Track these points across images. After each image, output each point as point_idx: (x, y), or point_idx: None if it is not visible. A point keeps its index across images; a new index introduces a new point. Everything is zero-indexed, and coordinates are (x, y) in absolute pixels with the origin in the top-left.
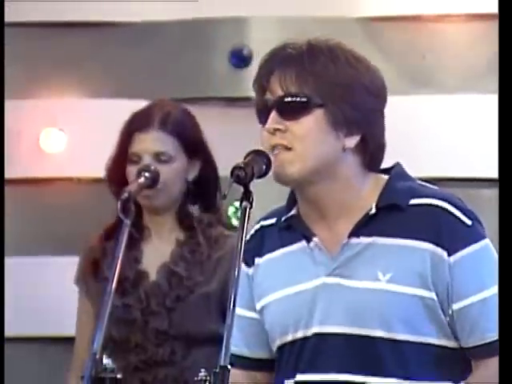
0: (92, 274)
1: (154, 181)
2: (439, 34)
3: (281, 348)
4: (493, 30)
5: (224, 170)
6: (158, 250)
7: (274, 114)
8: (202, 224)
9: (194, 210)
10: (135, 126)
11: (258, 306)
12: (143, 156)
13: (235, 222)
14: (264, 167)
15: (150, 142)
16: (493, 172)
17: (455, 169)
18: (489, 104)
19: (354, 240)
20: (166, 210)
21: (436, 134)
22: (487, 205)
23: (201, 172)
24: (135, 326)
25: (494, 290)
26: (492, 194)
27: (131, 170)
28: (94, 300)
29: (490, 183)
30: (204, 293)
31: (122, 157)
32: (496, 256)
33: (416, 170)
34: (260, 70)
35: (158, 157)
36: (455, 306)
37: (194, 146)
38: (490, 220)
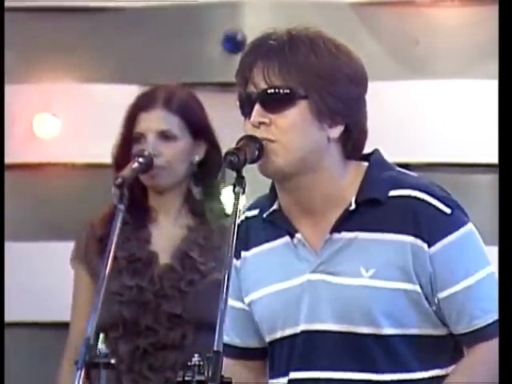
0: (97, 251)
1: (148, 166)
2: (433, 19)
3: (271, 344)
4: (487, 14)
5: None
6: (168, 233)
7: (257, 107)
8: (213, 213)
9: (197, 191)
10: (140, 105)
11: (246, 301)
12: (147, 135)
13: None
14: (256, 152)
15: (154, 121)
16: (488, 158)
17: (449, 154)
18: (483, 89)
19: (336, 236)
20: (170, 190)
21: (430, 120)
22: (482, 190)
23: (206, 155)
24: (147, 309)
25: (479, 275)
26: (487, 180)
27: (135, 150)
28: (98, 277)
29: (484, 169)
30: (215, 279)
31: (128, 138)
32: (480, 241)
33: (408, 155)
34: (242, 63)
35: (162, 135)
36: (440, 295)
37: (199, 127)
38: (485, 205)
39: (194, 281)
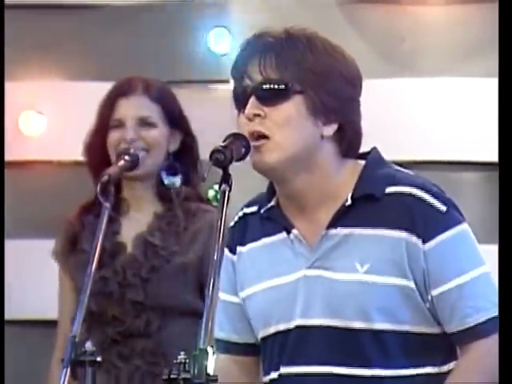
0: (70, 248)
1: (133, 164)
2: (419, 17)
3: (264, 340)
4: (472, 13)
5: (204, 153)
6: (136, 223)
7: (253, 100)
8: (179, 197)
9: (175, 181)
10: (118, 92)
11: (242, 295)
12: (126, 121)
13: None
14: (243, 150)
15: (134, 107)
16: (475, 155)
17: (436, 152)
18: (469, 87)
19: (332, 231)
20: (144, 180)
21: (416, 118)
22: (468, 189)
23: (182, 144)
24: (112, 299)
25: (472, 274)
26: (476, 178)
27: (113, 136)
28: (72, 273)
29: (474, 167)
30: (180, 263)
31: (104, 125)
32: (474, 240)
33: (396, 153)
34: (239, 57)
35: (141, 121)
36: (433, 293)
37: (176, 116)
38: (471, 203)
39: (155, 267)
